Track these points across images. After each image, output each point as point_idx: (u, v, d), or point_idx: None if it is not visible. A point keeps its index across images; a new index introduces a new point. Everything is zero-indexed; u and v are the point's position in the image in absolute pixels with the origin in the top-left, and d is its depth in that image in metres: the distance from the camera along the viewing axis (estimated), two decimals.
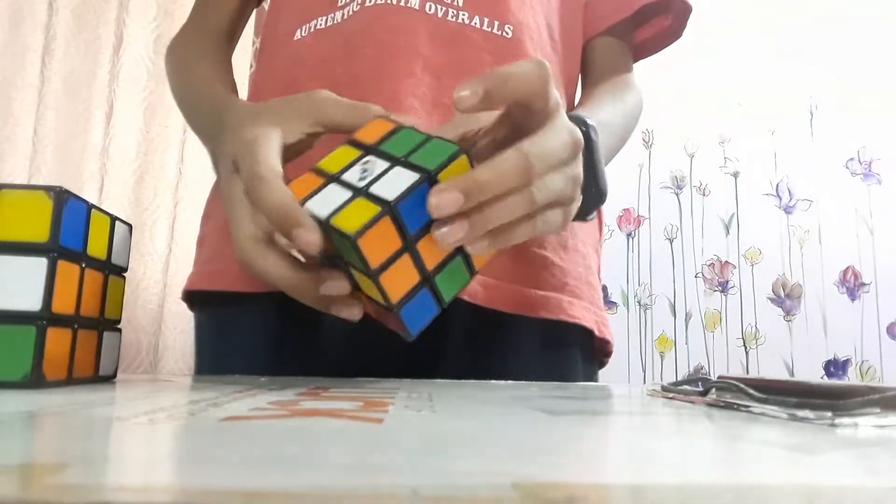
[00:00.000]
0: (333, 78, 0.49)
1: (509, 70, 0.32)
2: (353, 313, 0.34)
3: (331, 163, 0.33)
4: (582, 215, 0.41)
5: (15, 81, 1.63)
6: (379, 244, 0.29)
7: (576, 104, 0.59)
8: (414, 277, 0.31)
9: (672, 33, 0.64)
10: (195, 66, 0.56)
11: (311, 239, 0.29)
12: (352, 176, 0.32)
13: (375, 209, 0.29)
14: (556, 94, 0.34)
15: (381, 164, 0.31)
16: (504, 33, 0.51)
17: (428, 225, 0.30)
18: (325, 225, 0.30)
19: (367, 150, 0.33)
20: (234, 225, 0.34)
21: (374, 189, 0.30)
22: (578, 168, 0.35)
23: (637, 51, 0.65)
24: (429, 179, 0.30)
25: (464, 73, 0.49)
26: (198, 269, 0.56)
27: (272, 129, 0.35)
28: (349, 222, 0.29)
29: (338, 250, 0.31)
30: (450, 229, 0.29)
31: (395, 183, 0.30)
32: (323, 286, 0.32)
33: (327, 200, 0.31)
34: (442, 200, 0.28)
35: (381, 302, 0.31)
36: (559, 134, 0.33)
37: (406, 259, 0.30)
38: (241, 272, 0.51)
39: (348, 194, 0.30)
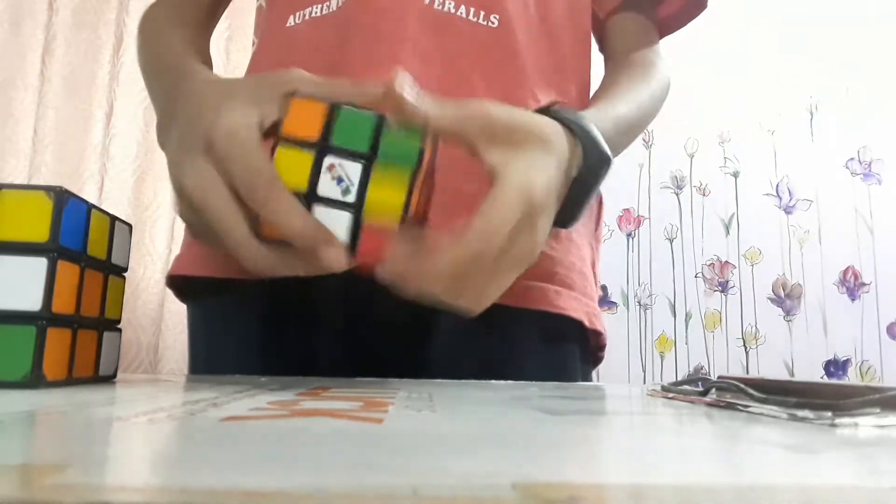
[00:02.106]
0: (326, 65, 0.49)
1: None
2: (341, 262, 0.32)
3: (287, 173, 0.30)
4: (563, 224, 0.41)
5: (15, 81, 1.63)
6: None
7: (591, 94, 0.58)
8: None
9: (698, 4, 0.64)
10: (166, 32, 0.55)
11: (342, 260, 0.30)
12: (329, 189, 0.30)
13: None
14: (493, 154, 0.34)
15: (353, 167, 0.30)
16: (490, 23, 0.51)
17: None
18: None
19: (319, 148, 0.30)
20: (222, 224, 0.32)
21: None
22: (535, 231, 0.34)
23: (663, 26, 0.64)
24: (412, 174, 0.30)
25: (450, 60, 0.49)
26: (182, 252, 0.55)
27: (252, 116, 0.33)
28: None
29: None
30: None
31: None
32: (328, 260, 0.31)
33: (331, 223, 0.30)
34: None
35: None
36: (503, 206, 0.33)
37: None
38: (224, 257, 0.50)
39: (346, 216, 0.30)
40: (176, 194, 0.34)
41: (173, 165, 0.35)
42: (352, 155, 0.30)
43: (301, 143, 0.30)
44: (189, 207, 0.33)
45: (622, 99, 0.53)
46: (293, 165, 0.30)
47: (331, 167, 0.30)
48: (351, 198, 0.30)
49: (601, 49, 0.65)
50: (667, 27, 0.64)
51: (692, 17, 0.64)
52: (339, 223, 0.30)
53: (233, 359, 0.50)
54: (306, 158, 0.30)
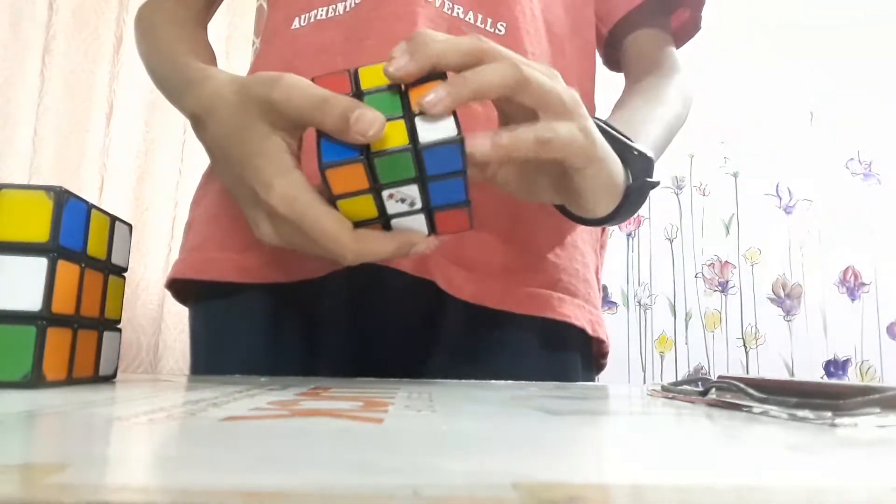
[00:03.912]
0: (332, 68, 0.49)
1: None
2: (431, 247, 0.36)
3: (356, 214, 0.34)
4: (641, 186, 0.41)
5: (15, 81, 1.63)
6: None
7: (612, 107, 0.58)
8: None
9: (694, 25, 0.64)
10: (165, 30, 0.55)
11: (431, 245, 0.35)
12: (398, 207, 0.33)
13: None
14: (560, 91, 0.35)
15: (409, 189, 0.32)
16: (497, 30, 0.51)
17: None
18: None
19: (374, 191, 0.32)
20: (324, 250, 0.35)
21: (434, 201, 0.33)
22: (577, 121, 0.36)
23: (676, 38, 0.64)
24: (461, 171, 0.32)
25: None
26: (183, 256, 0.55)
27: (289, 169, 0.34)
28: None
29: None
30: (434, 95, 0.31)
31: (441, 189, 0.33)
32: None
33: (410, 226, 0.34)
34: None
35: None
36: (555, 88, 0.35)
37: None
38: (227, 261, 0.50)
39: (420, 217, 0.34)
40: (262, 236, 0.36)
41: (246, 210, 0.37)
42: (404, 182, 0.32)
43: (356, 193, 0.32)
44: (281, 232, 0.36)
45: (653, 121, 0.53)
46: (358, 209, 0.33)
47: (391, 196, 0.32)
48: (418, 205, 0.33)
49: (619, 68, 0.65)
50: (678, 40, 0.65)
51: (689, 38, 0.65)
52: (416, 223, 0.34)
53: (235, 360, 0.50)
54: (367, 199, 0.33)
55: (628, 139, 0.42)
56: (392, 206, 0.33)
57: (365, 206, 0.33)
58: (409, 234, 0.35)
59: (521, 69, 0.33)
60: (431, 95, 0.31)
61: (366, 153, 0.31)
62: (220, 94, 0.38)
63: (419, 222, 0.34)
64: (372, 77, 0.33)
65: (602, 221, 0.42)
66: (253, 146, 0.35)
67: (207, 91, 0.40)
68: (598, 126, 0.39)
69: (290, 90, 0.33)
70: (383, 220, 0.34)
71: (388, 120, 0.31)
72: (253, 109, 0.35)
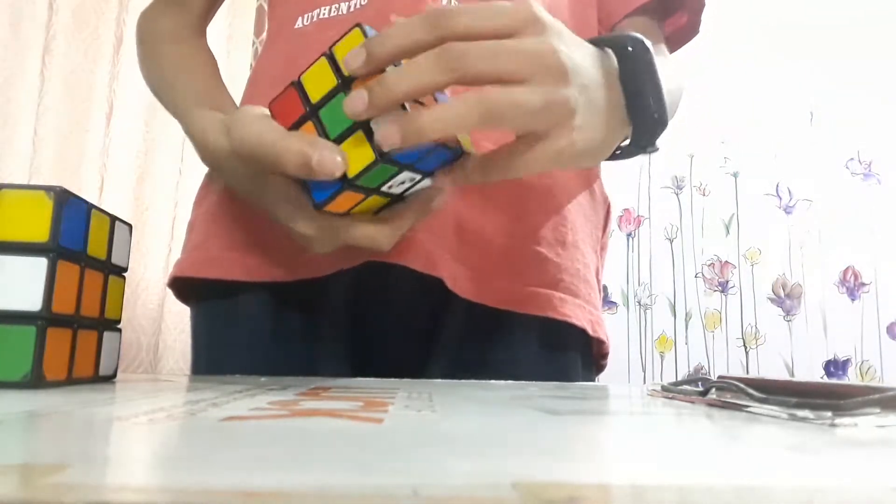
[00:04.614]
0: None
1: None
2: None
3: (368, 208, 0.37)
4: (638, 144, 0.38)
5: (15, 81, 1.63)
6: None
7: None
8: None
9: (692, 29, 0.63)
10: (166, 53, 0.57)
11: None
12: (401, 188, 0.36)
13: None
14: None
15: (402, 175, 0.34)
16: None
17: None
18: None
19: (375, 191, 0.35)
20: (365, 245, 0.37)
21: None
22: (545, 39, 0.31)
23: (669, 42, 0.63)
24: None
25: None
26: (186, 255, 0.55)
27: (297, 212, 0.37)
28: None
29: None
30: (350, 100, 0.30)
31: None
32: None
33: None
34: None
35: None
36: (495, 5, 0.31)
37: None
38: (230, 260, 0.50)
39: (426, 180, 0.36)
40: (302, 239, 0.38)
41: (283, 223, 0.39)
42: (392, 177, 0.34)
43: (362, 201, 0.35)
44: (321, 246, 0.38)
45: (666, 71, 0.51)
46: (372, 204, 0.36)
47: (390, 187, 0.35)
48: (418, 177, 0.35)
49: None
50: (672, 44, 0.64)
51: (685, 42, 0.64)
52: (425, 183, 0.36)
53: (236, 359, 0.50)
54: (374, 199, 0.35)
55: (660, 88, 0.37)
56: (397, 189, 0.35)
57: (376, 201, 0.36)
58: (425, 195, 0.37)
59: (483, 105, 0.30)
60: (384, 131, 0.30)
61: (345, 180, 0.32)
62: (218, 147, 0.42)
63: (425, 182, 0.36)
64: (316, 80, 0.32)
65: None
66: (262, 190, 0.38)
67: (210, 149, 0.43)
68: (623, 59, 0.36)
69: (242, 144, 0.35)
70: (399, 199, 0.37)
71: (348, 134, 0.31)
72: (241, 160, 0.37)
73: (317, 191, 0.33)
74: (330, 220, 0.36)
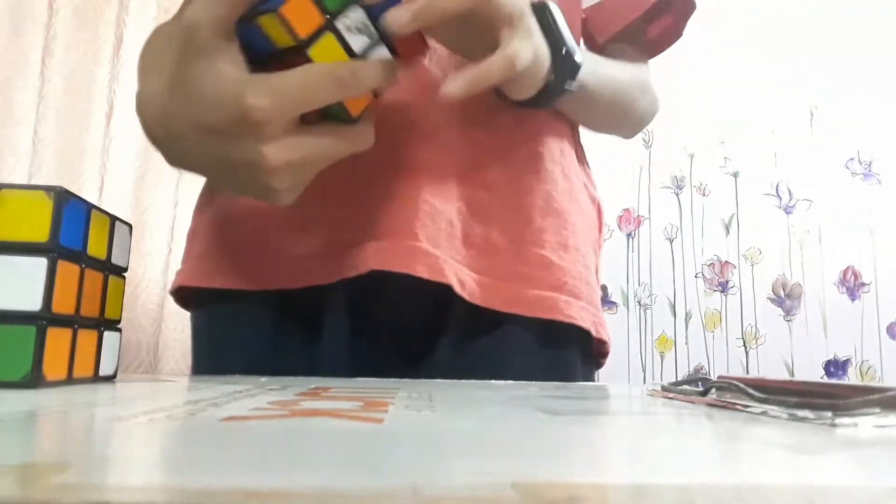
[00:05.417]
0: None
1: None
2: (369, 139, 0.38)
3: (330, 59, 0.35)
4: (554, 88, 0.44)
5: (15, 81, 1.63)
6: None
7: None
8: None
9: (675, 32, 0.64)
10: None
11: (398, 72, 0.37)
12: (360, 42, 0.35)
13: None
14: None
15: (357, 14, 0.35)
16: None
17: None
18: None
19: (331, 24, 0.34)
20: (329, 156, 0.37)
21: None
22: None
23: (651, 48, 0.64)
24: None
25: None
26: (190, 264, 0.55)
27: (242, 80, 0.33)
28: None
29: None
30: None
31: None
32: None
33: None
34: None
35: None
36: None
37: None
38: (234, 268, 0.50)
39: (383, 48, 0.36)
40: (269, 185, 0.35)
41: (245, 172, 0.36)
42: (348, 5, 0.34)
43: (318, 33, 0.34)
44: (291, 180, 0.36)
45: (606, 63, 0.55)
46: (328, 53, 0.34)
47: (348, 28, 0.35)
48: (375, 33, 0.35)
49: None
50: (651, 51, 0.65)
51: (669, 45, 0.64)
52: (383, 54, 0.36)
53: (237, 368, 0.50)
54: (330, 39, 0.34)
55: (566, 36, 0.44)
56: (356, 42, 0.35)
57: (333, 50, 0.34)
58: (382, 60, 0.36)
59: None
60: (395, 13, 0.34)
61: None
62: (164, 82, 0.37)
63: (385, 53, 0.36)
64: None
65: (519, 103, 0.46)
66: (199, 73, 0.33)
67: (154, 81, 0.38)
68: (539, 15, 0.42)
69: None
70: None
71: None
72: (188, 55, 0.34)
73: (268, 3, 0.32)
74: (284, 82, 0.33)
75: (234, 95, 0.32)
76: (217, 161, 0.36)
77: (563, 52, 0.43)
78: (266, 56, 0.34)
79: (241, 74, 0.33)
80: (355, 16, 0.35)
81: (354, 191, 0.48)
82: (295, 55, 0.34)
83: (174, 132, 0.37)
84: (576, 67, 0.45)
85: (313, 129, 0.35)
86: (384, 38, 0.36)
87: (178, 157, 0.39)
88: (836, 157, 1.89)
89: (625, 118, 0.60)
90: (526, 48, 0.39)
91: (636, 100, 0.59)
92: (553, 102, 0.47)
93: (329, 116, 0.36)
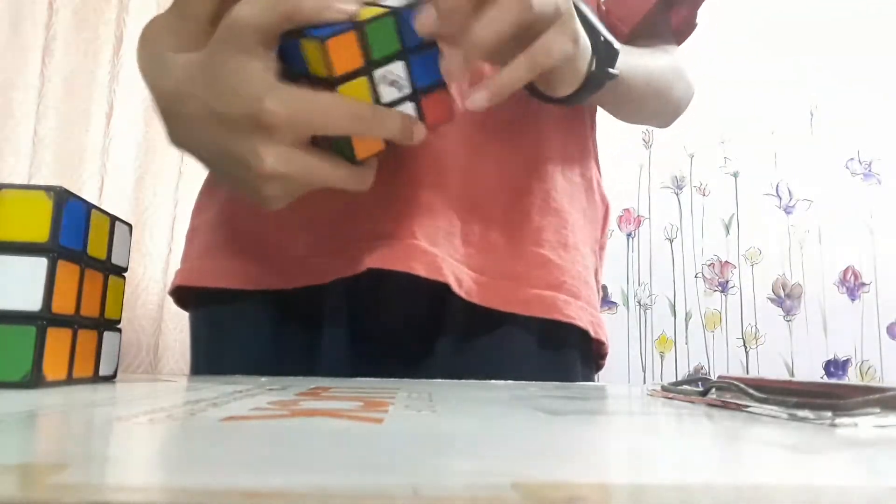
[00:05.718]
0: None
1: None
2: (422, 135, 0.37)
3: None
4: (597, 78, 0.43)
5: (15, 81, 1.63)
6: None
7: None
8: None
9: (691, 23, 0.64)
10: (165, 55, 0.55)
11: (422, 133, 0.37)
12: (390, 94, 0.35)
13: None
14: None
15: (397, 66, 0.35)
16: None
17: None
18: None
19: (368, 69, 0.34)
20: (323, 180, 0.36)
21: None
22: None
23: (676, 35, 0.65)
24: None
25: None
26: (188, 264, 0.55)
27: (271, 86, 0.34)
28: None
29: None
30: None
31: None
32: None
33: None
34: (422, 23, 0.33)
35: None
36: None
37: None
38: (233, 268, 0.50)
39: (410, 105, 0.36)
40: (260, 189, 0.36)
41: (240, 170, 0.36)
42: (392, 58, 0.34)
43: (353, 74, 0.34)
44: (281, 189, 0.36)
45: (640, 53, 0.54)
46: (356, 94, 0.34)
47: (383, 77, 0.35)
48: (407, 89, 0.35)
49: None
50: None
51: (685, 38, 0.65)
52: (409, 111, 0.36)
53: (236, 367, 0.50)
54: (363, 83, 0.34)
55: (600, 27, 0.43)
56: (386, 93, 0.35)
57: (362, 92, 0.35)
58: (406, 114, 0.36)
59: (526, 6, 0.34)
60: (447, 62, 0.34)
61: (357, 25, 0.33)
62: (188, 63, 0.38)
63: (409, 111, 0.36)
64: None
65: (559, 101, 0.44)
66: (225, 61, 0.35)
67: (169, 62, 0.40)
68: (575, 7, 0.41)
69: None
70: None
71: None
72: (226, 47, 0.35)
73: (318, 29, 0.32)
74: (305, 98, 0.33)
75: (254, 93, 0.33)
76: (217, 151, 0.37)
77: (602, 39, 0.42)
78: (297, 74, 0.35)
79: (269, 79, 0.34)
80: (395, 68, 0.34)
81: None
82: (324, 84, 0.34)
83: (183, 112, 0.38)
84: (615, 53, 0.43)
85: (316, 152, 0.35)
86: (415, 97, 0.36)
87: (180, 137, 0.40)
88: (836, 156, 1.89)
89: (662, 106, 0.60)
90: (561, 39, 0.37)
91: (671, 86, 0.59)
92: (595, 93, 0.45)
93: (336, 150, 0.36)
